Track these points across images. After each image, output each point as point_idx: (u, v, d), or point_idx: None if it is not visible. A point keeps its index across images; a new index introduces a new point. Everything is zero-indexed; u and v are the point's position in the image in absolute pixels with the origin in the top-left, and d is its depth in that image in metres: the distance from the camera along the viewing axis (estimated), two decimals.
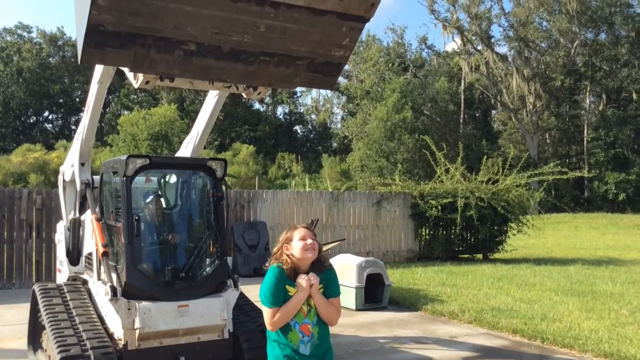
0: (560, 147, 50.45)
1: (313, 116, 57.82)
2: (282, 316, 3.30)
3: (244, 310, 5.96)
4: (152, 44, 3.50)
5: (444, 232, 16.26)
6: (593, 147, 43.82)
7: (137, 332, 5.03)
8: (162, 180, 6.15)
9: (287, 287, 3.34)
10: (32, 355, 6.07)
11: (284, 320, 3.32)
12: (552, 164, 18.42)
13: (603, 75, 46.34)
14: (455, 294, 10.08)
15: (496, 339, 7.43)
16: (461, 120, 47.32)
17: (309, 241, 3.35)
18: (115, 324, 5.20)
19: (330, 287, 3.46)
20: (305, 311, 3.36)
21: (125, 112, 44.19)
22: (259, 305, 3.63)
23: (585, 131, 46.18)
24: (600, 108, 47.05)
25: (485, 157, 19.22)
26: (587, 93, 48.18)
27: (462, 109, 47.54)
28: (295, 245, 3.35)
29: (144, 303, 5.10)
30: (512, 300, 9.48)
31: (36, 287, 6.00)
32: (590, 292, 10.16)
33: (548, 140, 50.30)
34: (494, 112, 54.57)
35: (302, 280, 3.32)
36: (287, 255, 3.37)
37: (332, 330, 3.57)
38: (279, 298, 3.31)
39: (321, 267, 3.45)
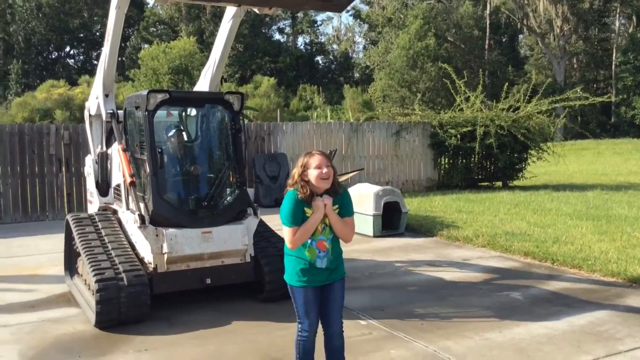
0: (588, 72, 49.10)
1: (334, 46, 56.87)
2: (302, 234, 3.59)
3: (264, 236, 6.29)
4: None
5: (463, 160, 16.36)
6: (621, 71, 42.58)
7: (166, 256, 5.41)
8: (183, 113, 6.38)
9: (304, 208, 3.62)
10: (69, 280, 6.53)
11: (303, 238, 3.60)
12: (576, 89, 18.10)
13: None
14: (471, 220, 10.34)
15: (507, 261, 7.72)
16: (486, 47, 46.12)
17: (324, 170, 3.58)
18: (145, 250, 5.59)
19: (344, 207, 3.74)
20: (320, 229, 3.65)
21: (146, 46, 44.02)
22: (279, 232, 3.90)
23: (614, 55, 44.76)
24: (630, 30, 45.33)
25: (507, 84, 18.92)
26: (617, 15, 46.35)
27: (487, 34, 46.22)
28: (311, 173, 3.59)
29: (171, 230, 5.45)
30: (526, 224, 9.71)
31: (69, 217, 6.39)
32: (605, 216, 10.32)
33: (575, 65, 48.94)
34: (520, 36, 52.96)
35: (319, 201, 3.60)
36: (305, 180, 3.62)
37: (350, 255, 3.90)
38: (297, 218, 3.59)
39: (336, 191, 3.70)
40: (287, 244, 3.65)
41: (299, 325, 3.73)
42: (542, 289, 6.39)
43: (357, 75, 52.16)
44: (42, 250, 8.59)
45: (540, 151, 16.36)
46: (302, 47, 55.87)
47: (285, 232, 3.64)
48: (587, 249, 7.87)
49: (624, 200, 12.58)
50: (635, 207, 11.46)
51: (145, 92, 5.56)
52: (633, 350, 4.62)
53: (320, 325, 3.76)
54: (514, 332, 5.06)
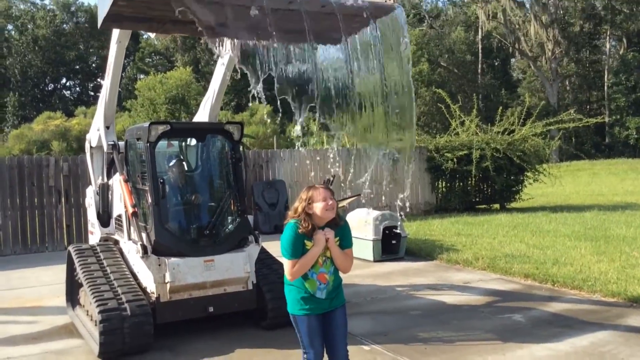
0: (581, 93, 49.67)
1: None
2: (300, 267, 3.63)
3: (266, 263, 6.32)
4: (167, 22, 3.77)
5: (460, 184, 16.46)
6: (614, 92, 43.12)
7: (168, 285, 5.43)
8: (183, 144, 6.47)
9: (304, 241, 3.66)
10: (71, 311, 6.52)
11: (302, 271, 3.64)
12: (569, 112, 18.31)
13: (623, 19, 45.15)
14: (470, 242, 10.38)
15: (508, 284, 7.75)
16: (479, 71, 46.73)
17: (330, 202, 3.65)
18: (147, 279, 5.61)
19: (345, 239, 3.80)
20: (321, 262, 3.69)
21: (142, 76, 44.43)
22: (280, 258, 3.95)
23: (606, 76, 45.36)
24: (621, 52, 46.00)
25: (501, 107, 19.14)
26: (608, 37, 47.11)
27: (480, 58, 46.90)
28: (317, 206, 3.64)
29: (173, 259, 5.49)
30: (525, 246, 9.76)
31: (71, 248, 6.42)
32: (603, 237, 10.38)
33: (568, 87, 49.52)
34: (512, 60, 53.64)
35: (320, 235, 3.64)
36: (308, 213, 3.66)
37: (352, 280, 3.97)
38: (297, 250, 3.63)
39: (337, 223, 3.76)
40: (287, 275, 3.69)
41: (305, 355, 3.73)
42: (544, 311, 6.42)
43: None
44: (43, 282, 8.57)
45: (537, 173, 16.48)
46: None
47: (285, 264, 3.68)
48: (587, 269, 7.91)
49: (621, 220, 12.65)
50: (633, 226, 11.53)
51: (146, 124, 5.65)
52: None
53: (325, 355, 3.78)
54: (517, 354, 5.08)
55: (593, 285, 7.12)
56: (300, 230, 3.63)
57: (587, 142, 42.58)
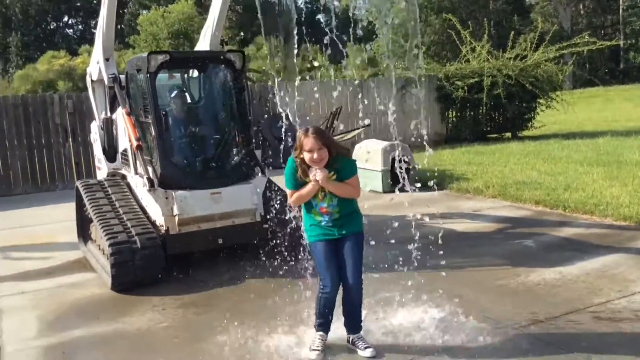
0: (595, 17, 48.08)
1: (336, 2, 55.86)
2: (297, 199, 3.80)
3: (274, 195, 6.27)
4: None
5: (471, 113, 16.20)
6: (629, 15, 41.72)
7: (177, 218, 5.42)
8: (185, 76, 6.30)
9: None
10: (83, 247, 6.59)
11: (299, 202, 3.81)
12: (583, 35, 17.73)
13: None
14: (481, 171, 10.28)
15: (519, 210, 7.70)
16: None
17: (315, 155, 3.63)
18: (155, 212, 5.60)
19: (343, 171, 3.76)
20: (321, 197, 3.77)
21: (144, 11, 43.43)
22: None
23: None
24: None
25: (513, 33, 18.55)
26: None
27: None
28: (305, 155, 3.68)
29: (180, 191, 5.45)
30: (537, 174, 9.65)
31: (79, 184, 6.40)
32: (616, 162, 10.23)
33: (582, 11, 47.92)
34: None
35: (311, 175, 3.70)
36: (300, 158, 3.71)
37: (361, 211, 3.93)
38: (295, 183, 3.76)
39: (331, 162, 3.71)
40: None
41: (321, 282, 3.76)
42: (555, 236, 6.38)
43: (360, 31, 51.37)
44: (55, 219, 8.65)
45: (549, 100, 16.16)
46: (302, 5, 54.88)
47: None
48: (599, 194, 7.82)
49: (635, 145, 12.44)
50: None
51: (145, 55, 5.48)
52: None
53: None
54: (528, 278, 5.07)
55: (605, 210, 7.06)
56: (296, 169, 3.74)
57: (601, 68, 41.59)
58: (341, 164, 3.76)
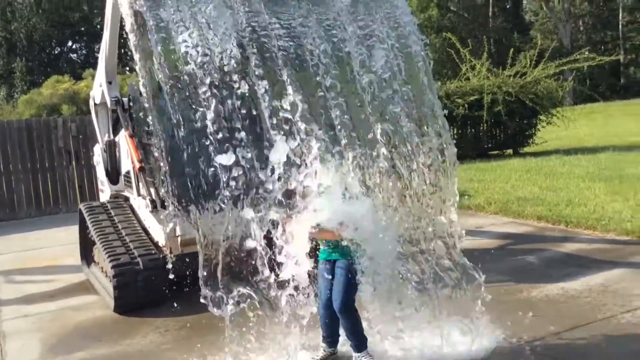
0: (594, 33, 48.40)
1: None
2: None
3: None
4: None
5: (472, 130, 16.26)
6: (629, 30, 42.05)
7: (179, 239, 5.43)
8: None
9: None
10: (87, 269, 6.61)
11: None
12: (583, 51, 17.86)
13: None
14: (482, 188, 10.30)
15: (521, 226, 7.70)
16: (490, 14, 45.60)
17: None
18: (158, 234, 5.62)
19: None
20: None
21: None
22: None
23: (620, 14, 44.07)
24: None
25: (513, 50, 18.69)
26: None
27: (490, 1, 45.67)
28: None
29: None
30: (538, 189, 9.66)
31: (82, 207, 6.45)
32: (617, 177, 10.23)
33: (581, 28, 48.28)
34: (524, 2, 52.23)
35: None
36: None
37: None
38: None
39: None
40: None
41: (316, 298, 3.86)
42: (557, 251, 6.38)
43: None
44: (58, 242, 8.68)
45: (550, 116, 16.20)
46: None
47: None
48: (601, 209, 7.83)
49: (636, 160, 12.44)
50: None
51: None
52: None
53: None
54: (531, 294, 5.06)
55: (607, 225, 7.05)
56: None
57: (601, 83, 41.72)
58: None
